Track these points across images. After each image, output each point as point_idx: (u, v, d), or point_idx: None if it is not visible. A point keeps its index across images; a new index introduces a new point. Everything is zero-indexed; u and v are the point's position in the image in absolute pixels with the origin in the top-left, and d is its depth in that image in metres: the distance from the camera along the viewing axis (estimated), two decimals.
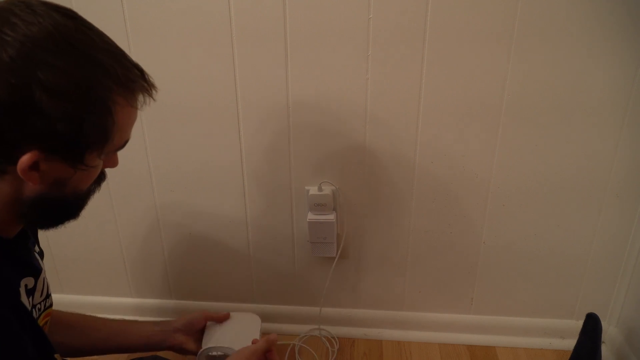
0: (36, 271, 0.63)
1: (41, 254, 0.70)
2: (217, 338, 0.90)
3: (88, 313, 1.29)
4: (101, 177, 0.61)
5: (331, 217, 1.02)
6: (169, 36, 0.92)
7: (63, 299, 1.21)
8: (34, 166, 0.49)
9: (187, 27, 0.91)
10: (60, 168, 0.52)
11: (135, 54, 0.94)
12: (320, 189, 1.01)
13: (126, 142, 0.58)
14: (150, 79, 0.55)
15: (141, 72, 0.54)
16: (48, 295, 0.68)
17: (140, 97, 0.55)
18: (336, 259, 1.07)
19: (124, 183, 1.07)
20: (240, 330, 0.92)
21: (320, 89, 0.93)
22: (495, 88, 0.90)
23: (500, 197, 1.00)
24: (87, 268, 1.20)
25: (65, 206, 0.58)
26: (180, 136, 1.01)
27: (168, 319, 0.91)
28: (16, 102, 0.46)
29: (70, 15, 0.50)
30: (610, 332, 1.08)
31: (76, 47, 0.48)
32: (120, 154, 1.07)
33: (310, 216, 1.02)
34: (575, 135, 0.92)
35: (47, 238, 1.16)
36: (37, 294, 0.63)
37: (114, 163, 0.62)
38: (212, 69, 0.94)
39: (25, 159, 0.48)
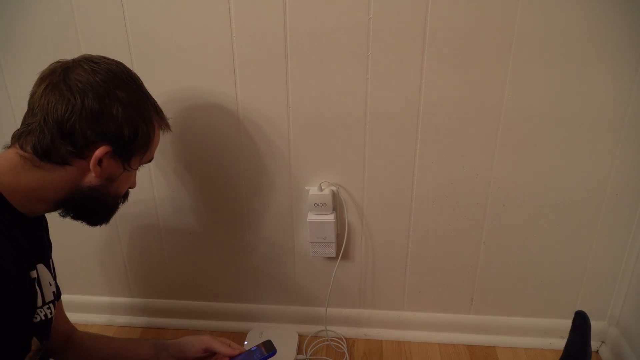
0: (45, 256, 0.74)
1: (50, 247, 0.79)
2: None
3: (88, 313, 1.28)
4: (126, 194, 0.79)
5: (331, 217, 1.02)
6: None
7: (63, 299, 1.20)
8: (100, 161, 0.67)
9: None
10: (115, 166, 0.70)
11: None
12: (320, 189, 1.01)
13: (151, 159, 0.78)
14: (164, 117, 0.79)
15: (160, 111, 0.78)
16: (56, 286, 0.77)
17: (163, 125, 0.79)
18: (339, 260, 1.08)
19: None
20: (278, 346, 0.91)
21: (321, 89, 0.93)
22: (496, 87, 0.90)
23: (500, 197, 1.00)
24: (87, 268, 1.20)
25: (104, 203, 0.74)
26: (180, 136, 1.01)
27: (167, 339, 0.89)
28: (101, 110, 0.65)
29: (122, 63, 0.72)
30: (610, 332, 1.08)
31: (134, 80, 0.72)
32: None
33: (310, 216, 1.02)
34: (574, 136, 0.92)
35: None
36: (44, 285, 0.71)
37: (134, 183, 0.79)
38: (214, 72, 0.94)
39: (99, 152, 0.66)
